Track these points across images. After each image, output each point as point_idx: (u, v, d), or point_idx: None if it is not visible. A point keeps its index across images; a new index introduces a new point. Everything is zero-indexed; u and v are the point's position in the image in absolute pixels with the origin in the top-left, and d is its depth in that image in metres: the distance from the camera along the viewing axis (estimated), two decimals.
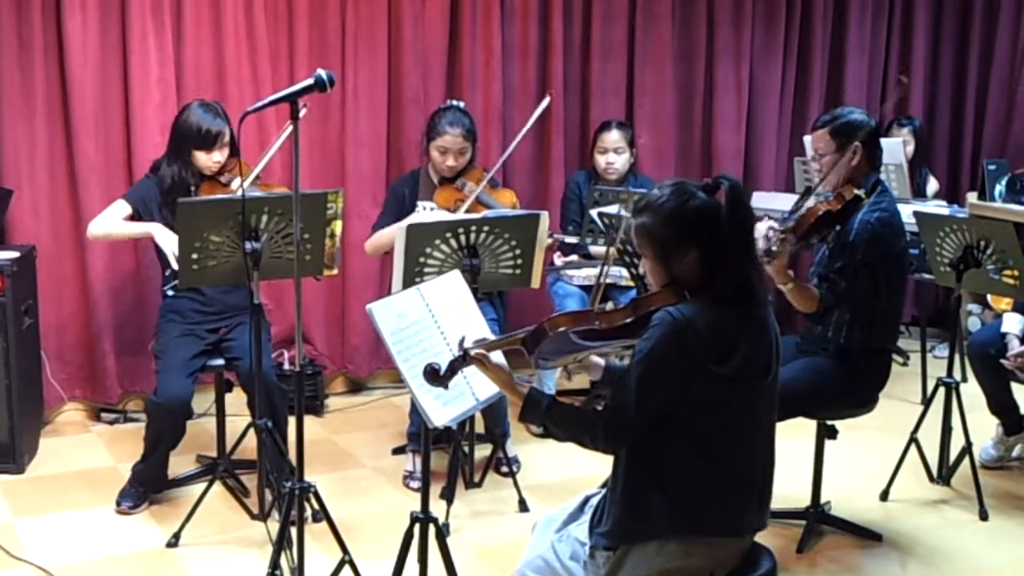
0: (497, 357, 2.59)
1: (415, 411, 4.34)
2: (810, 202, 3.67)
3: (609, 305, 2.62)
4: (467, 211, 4.34)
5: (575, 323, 2.51)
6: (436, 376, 2.58)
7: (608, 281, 4.98)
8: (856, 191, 3.62)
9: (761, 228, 3.52)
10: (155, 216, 4.18)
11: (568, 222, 5.16)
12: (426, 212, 4.51)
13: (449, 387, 2.63)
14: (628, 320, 2.50)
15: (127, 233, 4.22)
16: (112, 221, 4.18)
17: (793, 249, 3.52)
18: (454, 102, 4.64)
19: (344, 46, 5.28)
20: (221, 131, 4.09)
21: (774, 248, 3.44)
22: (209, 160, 4.11)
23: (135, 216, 4.22)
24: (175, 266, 3.94)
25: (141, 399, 4.93)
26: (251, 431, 3.91)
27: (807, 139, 5.42)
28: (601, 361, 2.72)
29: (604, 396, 2.67)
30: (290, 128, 4.00)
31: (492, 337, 2.75)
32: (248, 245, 3.60)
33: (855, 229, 3.61)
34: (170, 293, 4.17)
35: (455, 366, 2.59)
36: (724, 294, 2.44)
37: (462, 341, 2.63)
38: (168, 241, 4.00)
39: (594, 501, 2.67)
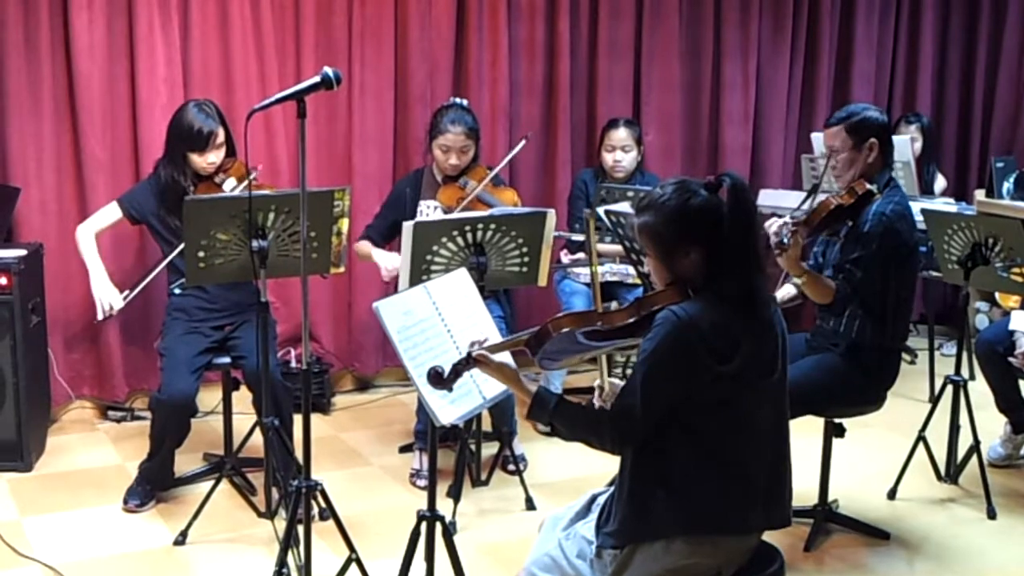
0: (501, 357, 2.58)
1: (422, 409, 4.34)
2: (821, 196, 3.66)
3: (614, 305, 2.61)
4: (468, 209, 4.34)
5: (579, 324, 2.50)
6: (440, 379, 2.58)
7: (614, 279, 5.01)
8: (868, 186, 3.63)
9: (774, 223, 3.53)
10: (150, 220, 4.20)
11: (575, 220, 5.16)
12: (429, 215, 4.51)
13: (453, 389, 2.62)
14: (631, 320, 2.49)
15: (83, 256, 4.27)
16: (88, 235, 4.25)
17: (805, 242, 3.51)
18: (457, 100, 4.63)
19: (351, 44, 5.28)
20: (213, 131, 4.07)
21: (786, 240, 3.43)
22: (203, 161, 4.10)
23: (129, 219, 4.25)
24: (99, 316, 4.11)
25: (148, 397, 4.93)
26: (258, 429, 3.91)
27: (815, 136, 5.42)
28: (619, 382, 2.71)
29: None
30: (254, 174, 4.07)
31: (498, 337, 2.75)
32: (255, 243, 3.61)
33: (870, 220, 3.61)
34: (176, 291, 4.18)
35: (458, 369, 2.58)
36: (728, 292, 2.43)
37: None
38: (100, 290, 4.12)
39: (601, 500, 2.66)
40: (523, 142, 4.66)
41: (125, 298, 4.13)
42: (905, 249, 3.67)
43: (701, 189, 2.47)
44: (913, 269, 3.80)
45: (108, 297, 4.11)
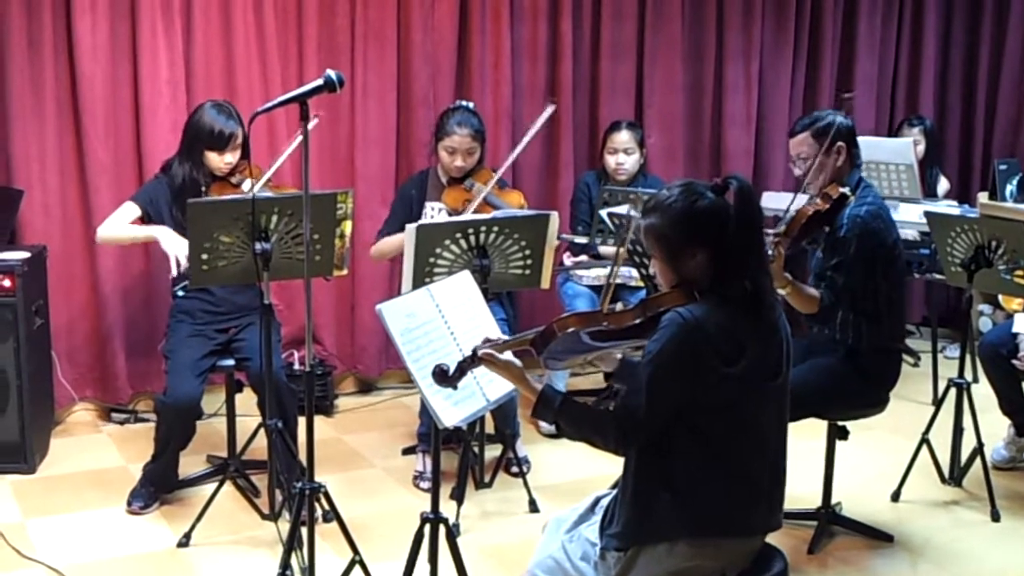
0: (506, 356, 2.58)
1: (425, 411, 4.35)
2: (798, 204, 3.68)
3: (619, 306, 2.61)
4: (475, 212, 4.34)
5: (584, 324, 2.50)
6: (445, 377, 2.58)
7: (618, 282, 5.00)
8: (841, 189, 3.64)
9: None
10: (165, 217, 4.19)
11: (578, 222, 5.16)
12: (434, 216, 4.51)
13: (458, 388, 2.62)
14: (637, 321, 2.49)
15: (133, 237, 4.22)
16: (119, 225, 4.18)
17: (788, 252, 3.52)
18: (463, 102, 4.64)
19: (353, 46, 5.28)
20: (234, 132, 4.09)
21: (770, 252, 3.44)
22: (221, 161, 4.11)
23: (144, 217, 4.22)
24: (173, 272, 3.97)
25: (151, 399, 4.93)
26: (261, 431, 3.91)
27: None
28: (618, 354, 2.72)
29: (618, 392, 2.67)
30: (312, 123, 4.04)
31: (502, 338, 2.75)
32: (258, 246, 3.60)
33: (845, 224, 3.62)
34: (180, 293, 4.18)
35: (464, 367, 2.58)
36: (734, 295, 2.44)
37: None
38: (173, 245, 3.99)
39: (604, 502, 2.67)
40: (551, 108, 4.58)
41: None
42: (884, 248, 3.67)
43: (708, 191, 2.47)
44: (897, 266, 3.80)
45: (183, 250, 3.90)
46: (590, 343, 2.53)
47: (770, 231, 3.54)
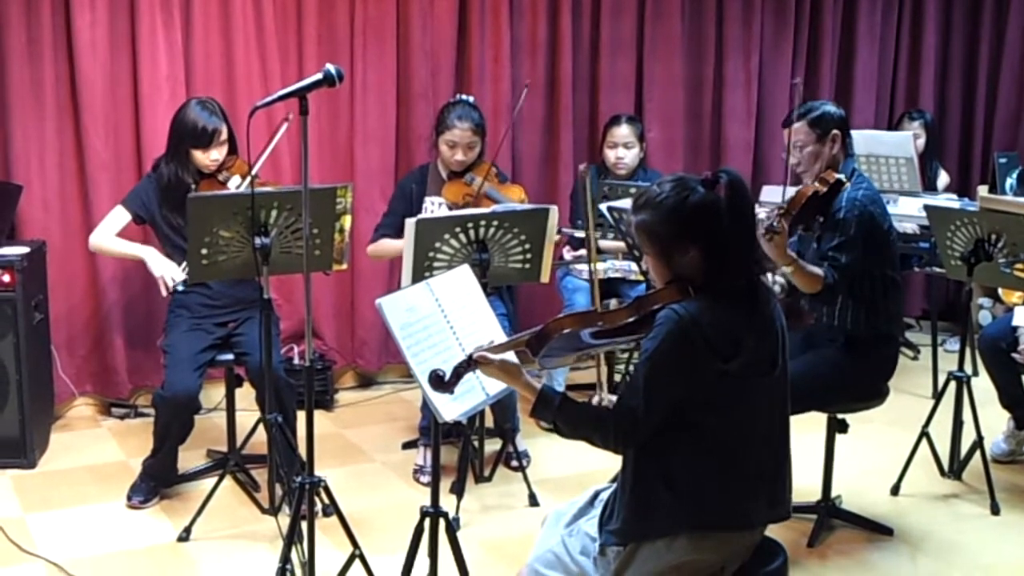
0: (503, 356, 2.57)
1: (425, 405, 4.34)
2: (798, 185, 3.71)
3: (613, 303, 2.61)
4: (476, 206, 4.34)
5: (579, 324, 2.50)
6: (441, 383, 2.57)
7: (617, 275, 5.01)
8: (837, 175, 3.66)
9: (762, 211, 3.55)
10: (156, 217, 4.19)
11: (577, 216, 5.16)
12: (434, 211, 4.50)
13: (455, 392, 2.61)
14: (632, 319, 2.49)
15: (123, 253, 4.26)
16: (109, 237, 4.22)
17: (786, 231, 3.54)
18: (463, 96, 4.63)
19: (353, 41, 5.28)
20: (217, 129, 4.08)
21: (775, 224, 3.46)
22: (206, 158, 4.10)
23: (136, 220, 4.23)
24: (164, 293, 4.03)
25: (151, 394, 4.93)
26: (261, 426, 3.92)
27: None
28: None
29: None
30: (282, 129, 4.05)
31: (500, 335, 2.75)
32: (258, 240, 3.61)
33: (844, 207, 3.65)
34: (179, 288, 4.18)
35: (460, 371, 2.57)
36: (728, 289, 2.43)
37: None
38: (159, 267, 4.05)
39: (604, 495, 2.66)
40: (524, 92, 4.62)
41: (184, 270, 4.04)
42: (880, 232, 3.71)
43: (698, 186, 2.45)
44: (892, 250, 3.83)
45: (170, 272, 4.03)
46: (587, 341, 2.53)
47: (774, 208, 3.55)
